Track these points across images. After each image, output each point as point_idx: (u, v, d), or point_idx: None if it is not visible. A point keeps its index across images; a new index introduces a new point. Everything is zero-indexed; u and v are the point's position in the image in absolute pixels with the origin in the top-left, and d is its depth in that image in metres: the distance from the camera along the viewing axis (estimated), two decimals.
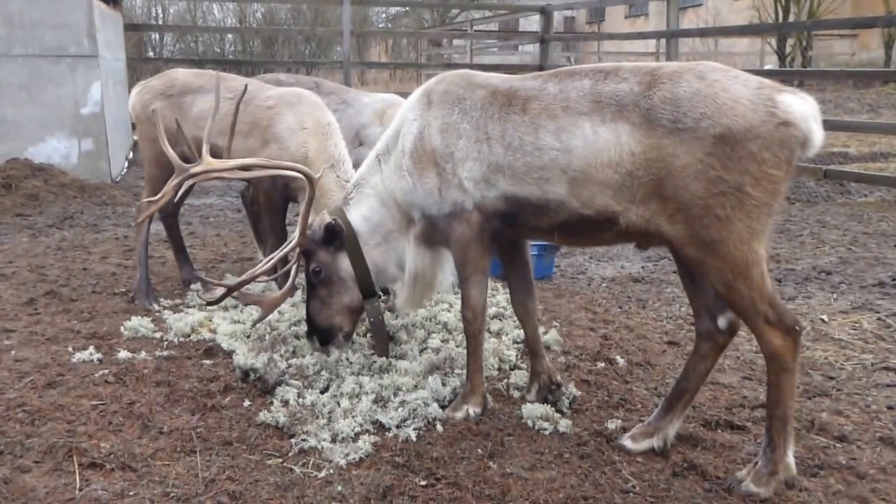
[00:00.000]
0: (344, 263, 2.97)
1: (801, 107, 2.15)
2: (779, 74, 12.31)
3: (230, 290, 3.06)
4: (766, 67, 17.19)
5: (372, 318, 3.07)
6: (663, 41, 12.71)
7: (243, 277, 3.08)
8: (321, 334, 3.09)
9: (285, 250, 3.06)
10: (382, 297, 3.29)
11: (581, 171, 2.34)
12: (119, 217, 6.52)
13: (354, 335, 3.28)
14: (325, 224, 2.94)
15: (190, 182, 3.01)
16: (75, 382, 2.94)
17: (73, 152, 7.77)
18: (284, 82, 4.77)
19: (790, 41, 18.08)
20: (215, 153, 3.86)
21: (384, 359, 3.11)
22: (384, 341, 3.15)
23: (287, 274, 3.14)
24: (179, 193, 3.09)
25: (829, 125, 7.61)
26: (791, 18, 17.76)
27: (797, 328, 2.24)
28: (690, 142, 2.16)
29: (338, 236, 2.92)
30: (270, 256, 3.19)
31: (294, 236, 3.05)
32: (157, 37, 21.70)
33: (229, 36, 22.55)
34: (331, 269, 2.99)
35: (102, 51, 8.02)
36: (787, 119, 2.13)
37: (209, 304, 3.28)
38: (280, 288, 3.31)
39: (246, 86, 3.39)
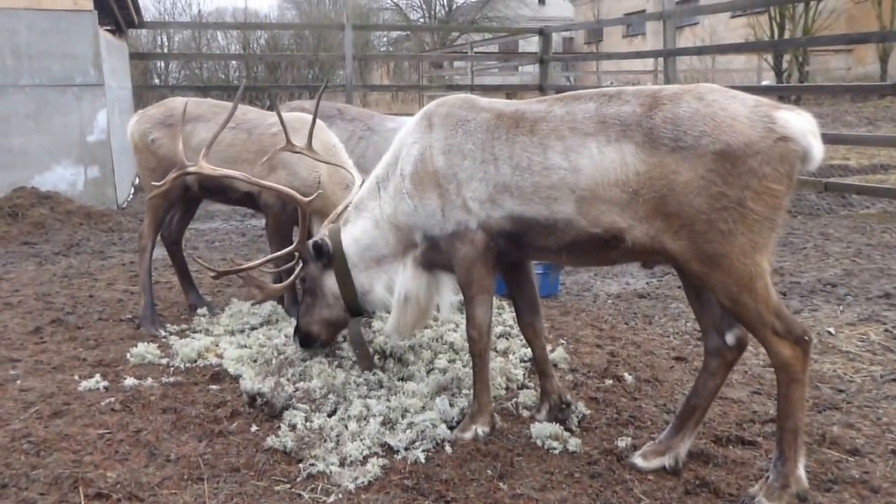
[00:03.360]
0: (329, 281, 3.08)
1: (799, 122, 2.19)
2: (776, 90, 12.44)
3: (219, 275, 3.33)
4: (764, 83, 17.33)
5: (351, 336, 3.17)
6: (661, 60, 12.85)
7: (239, 267, 3.31)
8: (301, 336, 3.26)
9: (284, 251, 3.27)
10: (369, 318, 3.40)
11: (589, 189, 2.37)
12: (125, 243, 6.53)
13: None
14: (313, 242, 3.06)
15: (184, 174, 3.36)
16: (81, 411, 2.93)
17: (79, 180, 7.85)
18: (308, 109, 4.84)
19: (786, 57, 18.24)
20: (220, 181, 3.90)
21: (369, 373, 3.17)
22: (366, 357, 3.22)
23: (289, 271, 3.30)
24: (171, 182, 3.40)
25: (828, 139, 7.66)
26: (786, 35, 17.93)
27: (806, 338, 2.25)
28: (692, 159, 2.20)
29: (324, 254, 3.03)
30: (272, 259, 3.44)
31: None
32: (163, 65, 21.97)
33: (233, 62, 22.84)
34: (315, 283, 3.13)
35: (108, 80, 8.14)
36: (785, 134, 2.17)
37: (213, 278, 3.49)
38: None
39: (323, 87, 3.63)
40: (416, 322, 2.96)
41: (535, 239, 2.55)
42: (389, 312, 2.97)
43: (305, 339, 3.26)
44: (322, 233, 3.13)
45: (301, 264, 3.21)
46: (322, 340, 3.26)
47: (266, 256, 3.44)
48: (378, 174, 2.94)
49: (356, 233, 2.99)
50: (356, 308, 3.08)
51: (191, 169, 3.25)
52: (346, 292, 3.04)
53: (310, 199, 3.19)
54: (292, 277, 3.25)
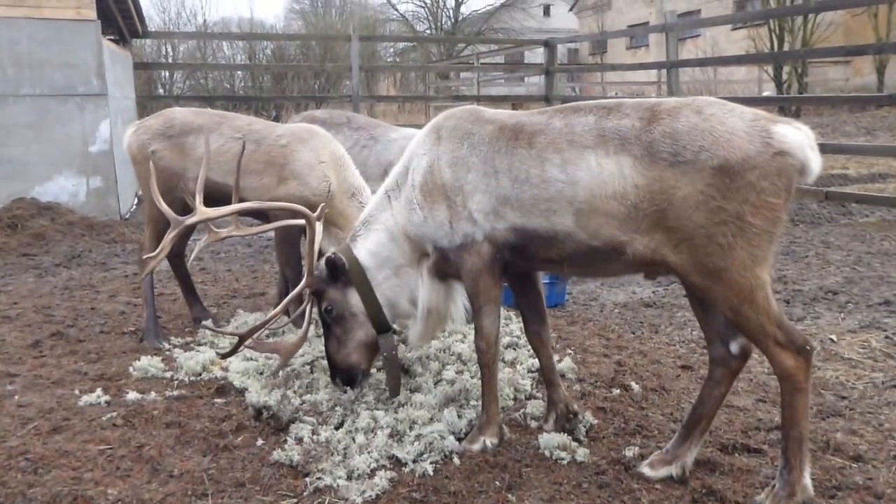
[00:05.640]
0: (354, 299, 2.94)
1: (797, 136, 2.21)
2: (777, 101, 12.52)
3: (241, 341, 3.01)
4: (765, 94, 17.42)
5: (385, 352, 3.01)
6: (664, 71, 12.95)
7: (254, 327, 3.04)
8: (343, 375, 3.07)
9: (295, 292, 3.04)
10: (397, 332, 3.25)
11: (587, 202, 2.39)
12: (128, 255, 6.48)
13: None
14: (326, 259, 2.93)
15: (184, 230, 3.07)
16: (82, 427, 2.88)
17: (81, 190, 7.83)
18: (318, 118, 4.91)
19: (786, 69, 18.34)
20: (227, 192, 3.86)
21: (399, 392, 3.06)
22: (397, 377, 3.04)
23: (302, 315, 3.10)
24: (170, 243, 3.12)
25: (828, 148, 7.74)
26: (786, 47, 18.04)
27: (808, 348, 2.26)
28: (690, 174, 2.22)
29: (341, 270, 2.92)
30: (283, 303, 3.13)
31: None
32: (167, 74, 22.05)
33: (239, 73, 22.91)
34: (342, 306, 2.97)
35: (112, 89, 8.14)
36: (782, 148, 2.18)
37: (223, 356, 3.25)
38: (298, 328, 3.29)
39: (244, 146, 3.41)
40: (437, 329, 2.95)
41: (537, 251, 2.56)
42: (412, 323, 2.93)
43: (349, 375, 3.04)
44: (329, 251, 3.03)
45: (316, 299, 3.00)
46: (364, 369, 3.05)
47: (275, 308, 3.07)
48: (388, 185, 2.93)
49: (372, 246, 2.93)
50: (383, 323, 2.95)
51: (189, 221, 2.98)
52: (371, 306, 2.92)
53: (317, 213, 3.01)
54: (305, 326, 3.01)
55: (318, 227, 3.04)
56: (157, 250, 3.09)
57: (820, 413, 3.02)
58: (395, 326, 3.10)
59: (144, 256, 3.55)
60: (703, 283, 2.27)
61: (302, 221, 3.11)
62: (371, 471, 2.53)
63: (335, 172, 3.87)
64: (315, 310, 3.09)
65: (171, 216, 3.03)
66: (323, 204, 3.35)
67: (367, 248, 2.94)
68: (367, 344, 3.02)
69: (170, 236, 3.03)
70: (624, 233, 2.34)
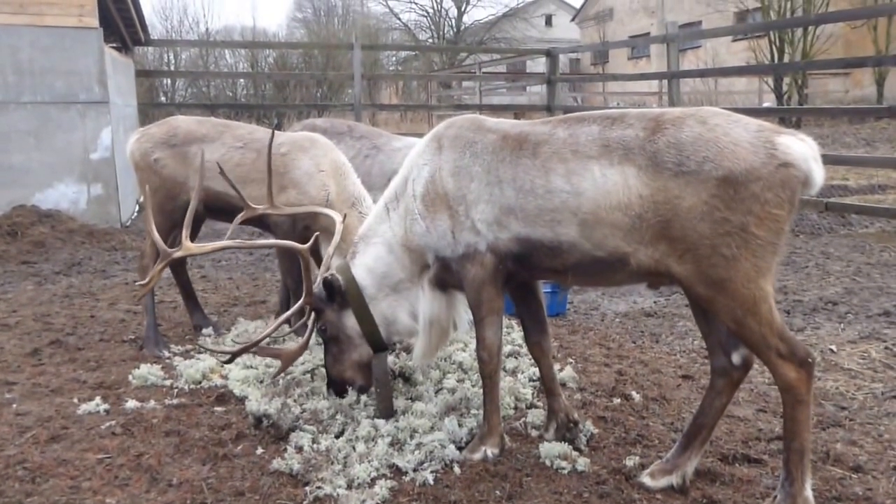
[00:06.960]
0: (350, 321, 2.94)
1: (801, 148, 2.22)
2: (777, 112, 12.58)
3: (234, 356, 3.00)
4: (765, 105, 17.48)
5: (377, 375, 3.00)
6: (665, 81, 13.02)
7: (249, 343, 3.01)
8: (336, 388, 3.10)
9: (294, 309, 3.03)
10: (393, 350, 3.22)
11: (591, 213, 2.39)
12: (129, 262, 6.48)
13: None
14: (323, 280, 2.92)
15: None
16: (80, 435, 2.87)
17: (81, 198, 7.83)
18: (319, 127, 4.91)
19: (786, 80, 18.44)
20: (228, 202, 3.85)
21: (392, 415, 2.99)
22: (388, 399, 3.00)
23: (304, 325, 3.10)
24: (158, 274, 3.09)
25: (828, 160, 7.76)
26: (786, 59, 18.14)
27: (809, 360, 2.26)
28: (695, 184, 2.23)
29: (336, 291, 2.91)
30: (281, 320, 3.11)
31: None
32: (169, 82, 22.12)
33: (241, 80, 23.01)
34: (336, 327, 2.97)
35: (113, 97, 8.16)
36: (786, 160, 2.19)
37: (224, 362, 3.25)
38: (300, 336, 3.26)
39: (273, 132, 3.38)
40: (440, 343, 2.93)
41: (541, 260, 2.56)
42: (414, 339, 2.91)
43: (340, 389, 3.07)
44: (330, 270, 3.02)
45: (314, 316, 3.01)
46: (360, 385, 3.05)
47: (275, 322, 3.05)
48: (387, 197, 2.92)
49: (369, 262, 2.90)
50: (379, 343, 2.96)
51: (177, 255, 2.98)
52: (366, 327, 2.91)
53: (308, 245, 3.00)
54: (307, 335, 3.00)
55: (323, 249, 3.03)
56: (147, 280, 3.09)
57: (820, 423, 3.02)
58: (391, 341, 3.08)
59: (137, 283, 3.53)
60: (706, 294, 2.27)
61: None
62: (371, 480, 2.52)
63: (335, 181, 3.86)
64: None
65: (162, 248, 3.01)
66: (347, 206, 3.27)
67: (364, 265, 2.91)
68: (360, 364, 3.02)
69: (158, 268, 3.04)
70: (628, 243, 2.35)
